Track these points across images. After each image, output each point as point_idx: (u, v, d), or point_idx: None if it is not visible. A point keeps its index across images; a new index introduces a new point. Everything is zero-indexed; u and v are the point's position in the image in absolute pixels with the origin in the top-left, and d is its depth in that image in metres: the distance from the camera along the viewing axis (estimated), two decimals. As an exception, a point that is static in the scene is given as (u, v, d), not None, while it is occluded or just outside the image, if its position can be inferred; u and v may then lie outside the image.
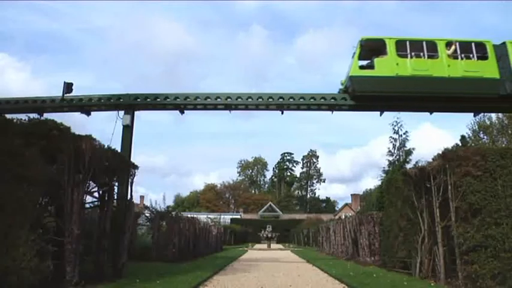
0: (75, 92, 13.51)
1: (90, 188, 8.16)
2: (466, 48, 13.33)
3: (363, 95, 13.24)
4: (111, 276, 8.29)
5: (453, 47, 13.33)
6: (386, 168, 35.94)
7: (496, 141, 29.83)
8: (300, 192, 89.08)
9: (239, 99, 13.72)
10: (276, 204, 67.94)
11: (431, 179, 8.41)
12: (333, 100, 13.68)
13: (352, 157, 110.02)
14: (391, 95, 13.01)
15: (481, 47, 13.32)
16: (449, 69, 12.93)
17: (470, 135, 31.67)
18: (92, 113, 14.17)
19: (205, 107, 14.62)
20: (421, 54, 13.15)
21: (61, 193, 7.03)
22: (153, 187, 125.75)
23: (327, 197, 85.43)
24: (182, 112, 14.29)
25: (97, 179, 8.11)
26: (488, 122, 30.95)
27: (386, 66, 13.00)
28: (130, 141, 12.77)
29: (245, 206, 74.80)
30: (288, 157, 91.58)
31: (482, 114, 26.95)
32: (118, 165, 9.02)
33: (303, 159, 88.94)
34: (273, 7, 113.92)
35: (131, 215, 10.05)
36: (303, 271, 11.91)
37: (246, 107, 14.19)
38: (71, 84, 13.38)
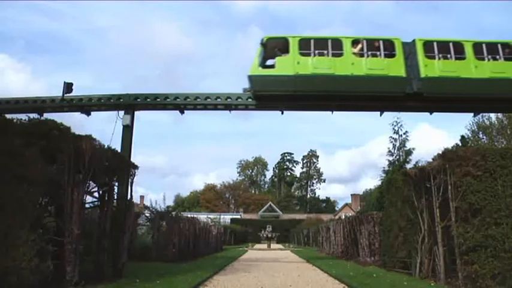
0: (75, 92, 13.53)
1: (90, 188, 8.15)
2: (373, 46, 13.21)
3: (264, 95, 13.10)
4: (111, 276, 8.29)
5: (359, 45, 13.20)
6: (386, 168, 35.93)
7: (496, 142, 29.84)
8: (300, 192, 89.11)
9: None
10: (276, 204, 67.93)
11: (431, 179, 8.41)
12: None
13: (350, 157, 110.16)
14: (292, 94, 12.82)
15: (389, 44, 13.20)
16: (354, 68, 12.80)
17: (470, 135, 31.69)
18: (92, 113, 14.17)
19: (205, 107, 14.62)
20: (325, 52, 12.97)
21: (61, 193, 7.02)
22: (153, 187, 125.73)
23: (327, 197, 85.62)
24: (182, 112, 14.29)
25: (97, 179, 8.11)
26: (487, 123, 30.97)
27: (287, 65, 12.84)
28: (130, 141, 12.77)
29: (245, 206, 74.79)
30: (288, 157, 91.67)
31: (481, 114, 27.00)
32: (118, 165, 9.02)
33: (303, 159, 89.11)
34: (270, 8, 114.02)
35: (131, 215, 10.05)
36: (303, 271, 11.90)
37: (246, 107, 14.20)
38: (71, 84, 13.39)
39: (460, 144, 27.17)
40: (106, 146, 8.52)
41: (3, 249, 5.33)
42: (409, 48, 13.18)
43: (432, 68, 12.85)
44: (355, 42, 13.25)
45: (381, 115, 14.33)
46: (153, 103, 13.90)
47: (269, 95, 13.10)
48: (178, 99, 13.76)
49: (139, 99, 13.58)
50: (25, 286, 5.50)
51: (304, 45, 13.02)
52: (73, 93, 13.50)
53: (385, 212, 11.91)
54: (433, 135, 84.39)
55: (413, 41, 13.22)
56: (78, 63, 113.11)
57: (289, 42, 13.02)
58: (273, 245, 32.33)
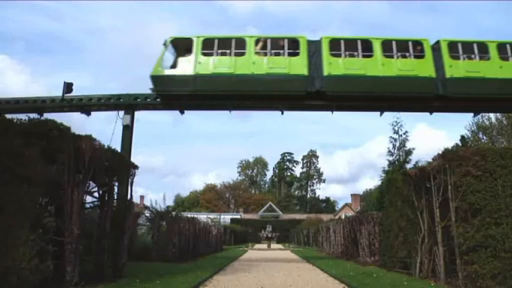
0: (75, 92, 13.53)
1: (90, 188, 8.16)
2: (277, 45, 13.16)
3: (168, 94, 13.12)
4: (111, 276, 8.30)
5: (260, 44, 13.14)
6: (387, 168, 35.93)
7: (495, 142, 29.84)
8: (300, 192, 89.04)
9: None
10: (276, 204, 67.87)
11: (431, 179, 8.42)
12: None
13: (349, 158, 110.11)
14: (192, 94, 12.83)
15: (294, 43, 13.14)
16: (255, 67, 12.75)
17: (470, 135, 31.69)
18: (92, 113, 14.16)
19: (205, 107, 14.65)
20: (228, 52, 12.96)
21: (61, 193, 7.03)
22: (153, 187, 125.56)
23: (326, 197, 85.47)
24: (182, 112, 14.29)
25: (97, 179, 8.11)
26: (487, 123, 30.98)
27: (188, 65, 12.88)
28: (130, 141, 12.76)
29: (245, 206, 74.72)
30: (288, 157, 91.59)
31: (481, 114, 27.03)
32: (118, 165, 9.03)
33: (303, 159, 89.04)
34: (268, 9, 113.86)
35: (131, 215, 10.06)
36: (303, 271, 11.90)
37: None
38: (71, 84, 13.38)
39: (460, 145, 27.15)
40: (106, 146, 8.53)
41: (3, 249, 5.33)
42: (314, 47, 13.13)
43: (337, 66, 12.82)
44: (257, 41, 13.22)
45: (381, 115, 14.34)
46: (153, 103, 13.88)
47: (173, 94, 13.08)
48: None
49: (139, 99, 13.57)
50: (25, 286, 5.50)
51: (208, 45, 13.04)
52: (73, 93, 13.51)
53: (385, 212, 11.92)
54: (431, 135, 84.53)
55: (321, 39, 13.20)
56: (78, 63, 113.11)
57: (193, 42, 13.06)
58: (273, 245, 32.33)
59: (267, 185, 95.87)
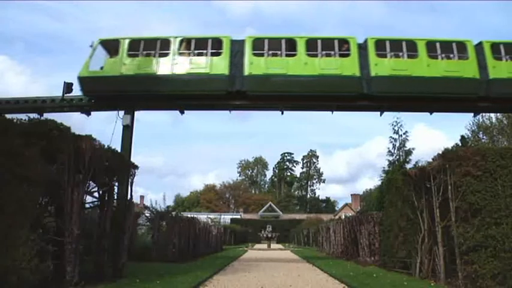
0: (75, 92, 13.52)
1: (90, 188, 8.16)
2: (201, 45, 13.26)
3: (99, 95, 13.26)
4: (111, 276, 8.30)
5: (184, 44, 13.26)
6: (386, 168, 35.90)
7: (496, 141, 29.83)
8: (300, 192, 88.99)
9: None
10: (276, 204, 67.83)
11: (431, 179, 8.41)
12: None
13: (348, 158, 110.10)
14: (120, 95, 12.93)
15: (217, 43, 13.21)
16: (177, 67, 12.88)
17: (470, 135, 31.68)
18: (92, 113, 14.17)
19: (205, 107, 14.65)
20: (153, 53, 13.11)
21: (61, 193, 7.03)
22: (152, 187, 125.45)
23: (327, 197, 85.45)
24: (182, 112, 14.29)
25: (97, 179, 8.11)
26: (488, 122, 30.97)
27: (115, 66, 13.06)
28: (130, 141, 12.76)
29: (245, 206, 74.71)
30: (288, 157, 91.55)
31: (481, 114, 27.00)
32: (118, 165, 9.02)
33: (303, 159, 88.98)
34: (266, 10, 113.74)
35: (131, 215, 10.05)
36: (303, 271, 11.90)
37: (246, 107, 14.20)
38: (71, 84, 13.39)
39: (460, 144, 27.14)
40: (106, 146, 8.53)
41: (3, 249, 5.33)
42: (238, 47, 13.15)
43: (258, 66, 12.87)
44: (182, 41, 13.31)
45: (381, 115, 14.34)
46: (153, 103, 13.90)
47: (101, 95, 13.21)
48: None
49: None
50: (25, 286, 5.49)
51: (134, 46, 13.19)
52: (73, 93, 13.51)
53: (385, 212, 11.91)
54: (430, 135, 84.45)
55: (244, 40, 13.27)
56: (78, 63, 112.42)
57: (120, 44, 13.22)
58: (273, 245, 32.32)
59: (267, 185, 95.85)
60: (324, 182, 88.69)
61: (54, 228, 7.21)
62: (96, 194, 8.68)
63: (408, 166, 30.09)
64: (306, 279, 9.62)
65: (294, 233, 44.17)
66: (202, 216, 30.92)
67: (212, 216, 43.82)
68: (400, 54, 13.24)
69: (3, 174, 5.44)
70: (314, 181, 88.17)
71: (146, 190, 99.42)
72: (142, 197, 44.94)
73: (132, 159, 10.71)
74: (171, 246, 14.21)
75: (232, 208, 78.58)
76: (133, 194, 9.95)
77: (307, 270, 12.15)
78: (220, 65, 12.86)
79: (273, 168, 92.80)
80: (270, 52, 13.10)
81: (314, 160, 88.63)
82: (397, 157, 36.70)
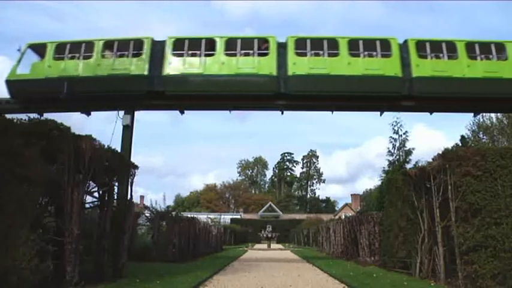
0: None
1: (90, 188, 8.16)
2: (124, 47, 13.44)
3: (26, 98, 13.35)
4: (111, 276, 8.30)
5: (95, 47, 13.40)
6: (386, 168, 35.90)
7: (496, 141, 29.83)
8: (300, 192, 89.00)
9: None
10: (276, 204, 67.83)
11: (431, 179, 8.41)
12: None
13: (347, 158, 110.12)
14: (47, 96, 13.08)
15: (138, 45, 13.38)
16: (100, 69, 13.12)
17: (470, 135, 31.67)
18: (92, 113, 14.17)
19: (205, 107, 14.65)
20: (77, 56, 13.38)
21: (61, 193, 7.03)
22: (152, 187, 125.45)
23: (327, 197, 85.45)
24: (182, 112, 14.29)
25: (97, 179, 8.11)
26: (488, 122, 30.96)
27: (40, 69, 13.28)
28: (130, 141, 12.75)
29: (245, 206, 74.71)
30: (288, 157, 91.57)
31: (481, 114, 27.00)
32: (118, 165, 9.02)
33: (303, 159, 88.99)
34: (264, 11, 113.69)
35: (131, 215, 10.05)
36: (303, 271, 11.90)
37: (246, 107, 14.21)
38: (71, 84, 13.35)
39: (460, 144, 27.13)
40: (106, 146, 8.52)
41: (3, 249, 5.33)
42: (158, 47, 13.30)
43: (177, 66, 13.04)
44: (106, 44, 13.52)
45: (381, 115, 14.33)
46: (153, 103, 13.89)
47: (31, 97, 13.30)
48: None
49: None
50: (25, 286, 5.49)
51: (60, 50, 13.44)
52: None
53: (385, 212, 11.91)
54: (429, 135, 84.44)
55: (164, 41, 13.42)
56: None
57: (47, 47, 13.44)
58: (273, 245, 32.32)
59: (267, 185, 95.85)
60: (324, 182, 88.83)
61: (54, 228, 7.21)
62: (96, 194, 8.68)
63: (408, 166, 30.09)
64: (306, 279, 9.62)
65: (294, 233, 44.18)
66: (202, 216, 30.92)
67: (212, 216, 43.82)
68: (321, 52, 13.23)
69: (3, 174, 5.44)
70: (314, 181, 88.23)
71: (146, 190, 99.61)
72: (142, 197, 45.00)
73: (132, 159, 10.72)
74: (171, 246, 14.21)
75: (232, 208, 78.59)
76: (133, 194, 9.96)
77: (307, 270, 12.15)
78: (140, 66, 13.08)
79: (273, 168, 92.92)
80: (190, 52, 13.25)
81: (314, 160, 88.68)
82: (397, 157, 36.69)
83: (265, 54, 13.15)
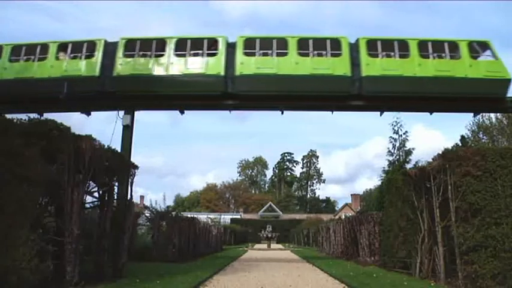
0: (75, 92, 13.49)
1: (90, 188, 8.16)
2: (77, 48, 13.56)
3: None
4: (111, 276, 8.30)
5: (50, 49, 13.54)
6: (386, 168, 35.88)
7: (496, 141, 29.82)
8: (300, 192, 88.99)
9: None
10: (276, 204, 67.82)
11: (431, 179, 8.42)
12: None
13: (346, 158, 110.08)
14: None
15: (92, 45, 13.49)
16: (53, 70, 13.25)
17: (470, 135, 31.65)
18: (92, 113, 14.16)
19: (205, 107, 14.63)
20: (32, 57, 13.56)
21: (61, 193, 7.03)
22: (152, 187, 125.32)
23: (327, 197, 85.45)
24: (182, 112, 14.29)
25: (97, 179, 8.11)
26: (488, 123, 30.94)
27: None
28: (130, 141, 12.74)
29: (245, 206, 74.71)
30: (288, 157, 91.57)
31: (481, 114, 26.96)
32: (118, 165, 9.02)
33: (303, 159, 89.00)
34: (262, 12, 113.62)
35: (131, 215, 10.05)
36: (303, 271, 11.90)
37: (246, 107, 14.20)
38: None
39: (460, 144, 27.12)
40: (106, 146, 8.52)
41: (3, 249, 5.33)
42: (110, 48, 13.38)
43: (127, 66, 13.14)
44: (60, 46, 13.60)
45: (381, 115, 14.32)
46: (153, 103, 13.89)
47: None
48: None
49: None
50: (25, 286, 5.49)
51: (16, 52, 13.62)
52: (73, 93, 13.46)
53: (385, 212, 11.91)
54: (428, 135, 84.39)
55: (116, 42, 13.51)
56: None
57: (3, 49, 13.62)
58: (273, 245, 32.32)
59: (267, 185, 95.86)
60: (323, 182, 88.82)
61: (54, 228, 7.21)
62: (96, 194, 8.68)
63: (408, 166, 30.07)
64: (306, 279, 9.61)
65: (294, 233, 44.17)
66: (202, 216, 30.92)
67: (212, 216, 43.81)
68: (270, 52, 13.26)
69: (3, 174, 5.44)
70: (314, 181, 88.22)
71: (146, 190, 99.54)
72: (142, 197, 45.01)
73: (132, 159, 10.72)
74: (171, 246, 14.20)
75: (232, 208, 78.59)
76: (133, 194, 9.97)
77: (307, 270, 12.14)
78: (91, 67, 13.19)
79: (273, 168, 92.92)
80: (141, 53, 13.36)
81: (314, 160, 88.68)
82: (397, 157, 36.68)
83: (214, 55, 13.24)
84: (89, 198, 8.42)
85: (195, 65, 13.10)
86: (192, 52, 13.25)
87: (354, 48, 13.29)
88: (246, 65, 13.00)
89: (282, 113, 14.15)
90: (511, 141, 28.62)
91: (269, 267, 13.21)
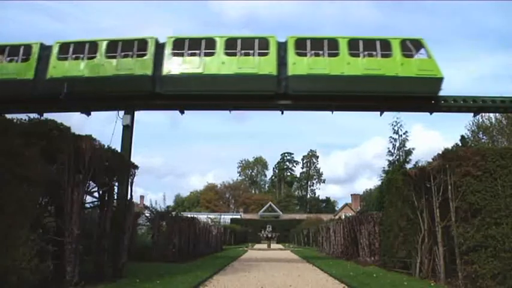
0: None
1: (90, 188, 8.17)
2: (14, 52, 13.76)
3: None
4: (111, 276, 8.30)
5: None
6: (386, 168, 35.87)
7: (496, 141, 29.81)
8: (300, 192, 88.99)
9: None
10: (276, 204, 67.83)
11: (431, 179, 8.41)
12: None
13: (346, 158, 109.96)
14: None
15: (28, 49, 13.63)
16: None
17: (470, 135, 31.65)
18: (92, 113, 14.16)
19: (205, 107, 14.64)
20: None
21: (61, 193, 7.03)
22: (151, 187, 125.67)
23: (327, 197, 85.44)
24: (182, 112, 14.29)
25: (97, 179, 8.11)
26: (487, 123, 30.94)
27: None
28: (130, 141, 12.75)
29: (245, 206, 74.70)
30: (288, 157, 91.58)
31: (481, 114, 26.92)
32: (118, 165, 9.03)
33: (303, 159, 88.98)
34: (261, 12, 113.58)
35: (131, 215, 10.05)
36: (303, 271, 11.90)
37: (246, 107, 14.21)
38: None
39: (460, 144, 27.12)
40: (106, 146, 8.52)
41: (3, 249, 5.33)
42: (47, 51, 13.56)
43: (61, 68, 13.30)
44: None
45: (381, 115, 14.30)
46: (153, 103, 13.89)
47: None
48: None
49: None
50: (25, 286, 5.49)
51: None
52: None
53: (385, 212, 11.91)
54: (427, 136, 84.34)
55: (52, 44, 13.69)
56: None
57: None
58: (273, 245, 32.31)
59: (267, 185, 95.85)
60: (323, 182, 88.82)
61: (54, 228, 7.22)
62: (96, 194, 8.69)
63: (408, 166, 30.07)
64: (306, 279, 9.61)
65: (294, 233, 44.17)
66: (202, 216, 30.92)
67: (212, 216, 43.81)
68: (197, 52, 13.33)
69: (3, 174, 5.44)
70: (314, 181, 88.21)
71: (145, 190, 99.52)
72: (142, 197, 45.01)
73: (132, 159, 10.72)
74: (171, 246, 14.20)
75: (232, 208, 78.58)
76: (133, 194, 9.97)
77: (307, 270, 12.14)
78: (24, 69, 13.37)
79: (273, 168, 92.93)
80: (74, 56, 13.58)
81: (314, 160, 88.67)
82: (397, 157, 36.67)
83: (143, 55, 13.34)
84: (89, 198, 8.44)
85: (126, 65, 13.26)
86: (123, 54, 13.41)
87: (283, 47, 13.29)
88: (173, 65, 13.18)
89: (282, 113, 14.12)
90: (511, 141, 28.61)
91: (269, 267, 13.21)
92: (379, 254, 12.56)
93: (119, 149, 10.79)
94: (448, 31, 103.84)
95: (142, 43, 13.43)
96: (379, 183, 35.39)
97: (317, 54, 13.31)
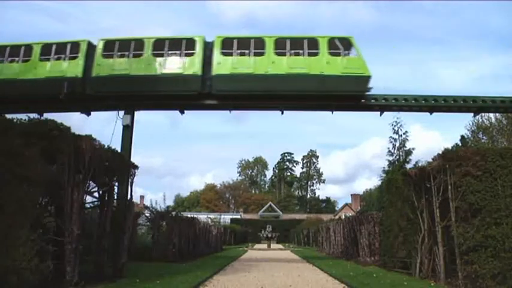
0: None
1: (90, 188, 8.17)
2: None
3: None
4: (111, 276, 8.30)
5: None
6: (386, 168, 35.86)
7: (495, 141, 29.81)
8: (300, 192, 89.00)
9: None
10: (276, 204, 67.84)
11: (432, 179, 8.41)
12: None
13: (345, 158, 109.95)
14: None
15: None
16: None
17: (469, 135, 31.65)
18: (92, 113, 14.17)
19: (205, 107, 14.65)
20: None
21: (61, 193, 7.03)
22: (151, 188, 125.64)
23: (327, 197, 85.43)
24: (182, 112, 14.30)
25: (97, 179, 8.11)
26: (487, 123, 30.94)
27: None
28: (130, 141, 12.76)
29: (245, 206, 74.73)
30: (288, 157, 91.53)
31: (481, 114, 26.92)
32: (118, 165, 9.02)
33: (303, 159, 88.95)
34: (260, 13, 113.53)
35: (131, 215, 10.05)
36: (303, 271, 11.90)
37: (246, 107, 14.22)
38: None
39: (460, 145, 27.12)
40: (106, 146, 8.52)
41: (3, 249, 5.33)
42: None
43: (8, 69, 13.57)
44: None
45: (381, 115, 14.30)
46: (153, 103, 13.90)
47: None
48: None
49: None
50: (25, 286, 5.49)
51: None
52: (73, 93, 13.47)
53: (385, 212, 11.91)
54: (426, 136, 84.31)
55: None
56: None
57: None
58: (273, 245, 32.31)
59: (267, 185, 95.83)
60: (323, 182, 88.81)
61: (54, 228, 7.22)
62: (96, 194, 8.69)
63: (408, 166, 30.05)
64: (306, 279, 9.61)
65: (294, 233, 44.16)
66: (202, 216, 30.91)
67: (212, 216, 43.79)
68: (127, 53, 13.44)
69: (3, 174, 5.44)
70: (314, 181, 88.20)
71: (145, 190, 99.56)
72: (142, 197, 44.96)
73: (132, 159, 10.72)
74: (171, 246, 14.20)
75: (232, 208, 78.59)
76: (133, 194, 9.98)
77: (307, 270, 12.14)
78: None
79: (273, 168, 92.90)
80: (10, 59, 13.84)
81: (314, 160, 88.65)
82: (397, 157, 36.66)
83: (75, 58, 13.48)
84: (89, 198, 8.44)
85: (57, 68, 13.41)
86: (56, 56, 13.56)
87: (210, 47, 13.34)
88: (104, 66, 13.29)
89: (282, 113, 14.13)
90: (511, 141, 28.61)
91: (269, 267, 13.21)
92: (379, 254, 12.56)
93: (119, 149, 10.79)
94: (448, 31, 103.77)
95: (77, 45, 13.56)
96: (379, 183, 35.40)
97: (243, 54, 13.34)
